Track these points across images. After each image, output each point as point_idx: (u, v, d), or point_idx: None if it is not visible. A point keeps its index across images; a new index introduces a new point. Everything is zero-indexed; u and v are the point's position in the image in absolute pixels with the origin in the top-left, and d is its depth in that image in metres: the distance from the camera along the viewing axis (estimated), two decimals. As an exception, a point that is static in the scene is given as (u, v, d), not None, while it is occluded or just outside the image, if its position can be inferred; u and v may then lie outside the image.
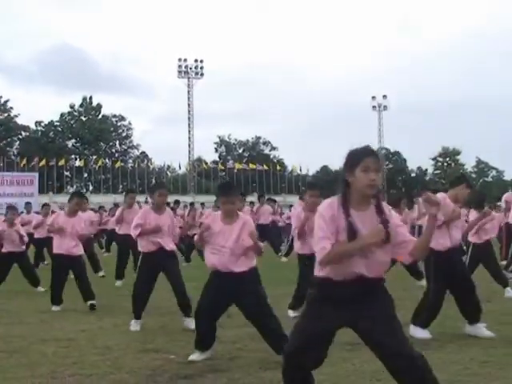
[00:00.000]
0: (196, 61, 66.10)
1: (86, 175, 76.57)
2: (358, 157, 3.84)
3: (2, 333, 7.60)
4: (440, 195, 6.94)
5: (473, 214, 10.33)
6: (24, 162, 60.42)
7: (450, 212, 7.04)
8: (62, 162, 63.50)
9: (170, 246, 7.97)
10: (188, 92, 66.90)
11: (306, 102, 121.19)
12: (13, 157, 71.48)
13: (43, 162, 60.51)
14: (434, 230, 3.93)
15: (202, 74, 66.54)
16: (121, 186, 71.21)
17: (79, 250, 9.51)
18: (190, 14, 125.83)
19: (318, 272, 3.89)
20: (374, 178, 3.77)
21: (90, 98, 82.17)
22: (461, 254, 8.23)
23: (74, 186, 74.95)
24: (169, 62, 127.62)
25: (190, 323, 7.18)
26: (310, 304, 4.04)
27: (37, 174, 53.82)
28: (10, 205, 14.48)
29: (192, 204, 19.90)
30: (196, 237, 6.20)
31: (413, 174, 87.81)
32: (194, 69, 66.13)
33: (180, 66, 65.97)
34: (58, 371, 5.68)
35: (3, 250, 11.39)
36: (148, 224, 7.86)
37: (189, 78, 66.48)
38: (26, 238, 11.49)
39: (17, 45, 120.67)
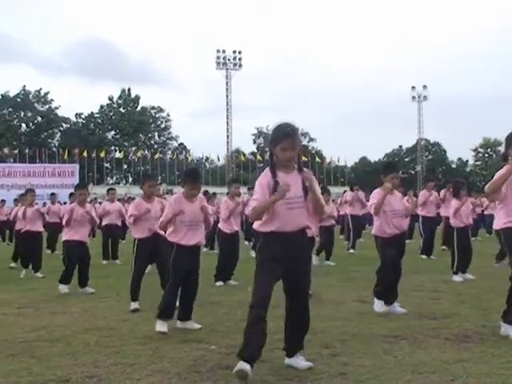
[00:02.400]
0: (234, 52, 66.18)
1: (125, 167, 77.35)
2: (278, 138, 5.08)
3: (45, 322, 7.71)
4: None
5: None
6: (65, 153, 61.15)
7: None
8: (102, 154, 64.11)
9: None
10: (226, 83, 67.04)
11: (345, 92, 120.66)
12: (54, 148, 72.50)
13: (84, 154, 61.17)
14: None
15: (240, 66, 66.62)
16: (160, 178, 71.75)
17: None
18: (228, 5, 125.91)
19: (259, 228, 5.22)
20: (289, 155, 5.07)
21: (129, 89, 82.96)
22: None
23: (114, 178, 75.79)
24: (207, 53, 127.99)
25: None
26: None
27: (77, 166, 54.58)
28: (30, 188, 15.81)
29: (214, 194, 20.07)
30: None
31: (453, 165, 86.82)
32: (232, 60, 66.22)
33: (218, 58, 66.10)
34: (100, 360, 5.74)
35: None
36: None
37: (227, 69, 66.59)
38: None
39: (47, 38, 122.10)
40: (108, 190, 17.35)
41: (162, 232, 8.06)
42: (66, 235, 10.74)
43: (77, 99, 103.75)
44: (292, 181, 5.00)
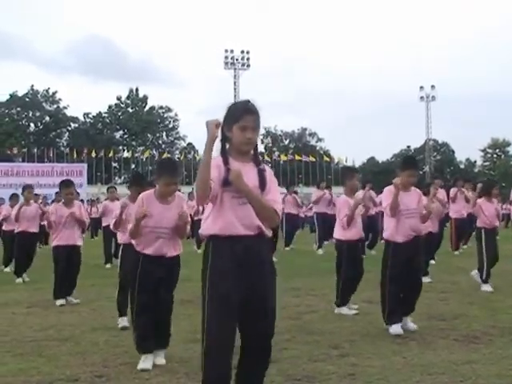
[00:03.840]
0: (242, 52, 66.28)
1: (133, 166, 77.45)
2: (237, 115, 3.86)
3: (55, 321, 7.73)
4: None
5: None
6: (74, 153, 61.29)
7: None
8: (110, 154, 64.23)
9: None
10: (234, 83, 67.10)
11: (353, 92, 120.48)
12: (62, 148, 72.68)
13: (92, 154, 61.30)
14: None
15: (248, 65, 66.69)
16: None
17: None
18: (237, 5, 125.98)
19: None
20: (249, 137, 3.81)
21: (137, 89, 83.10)
22: None
23: (122, 177, 75.94)
24: (215, 53, 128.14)
25: None
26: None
27: (85, 165, 54.59)
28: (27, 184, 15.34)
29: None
30: None
31: (461, 166, 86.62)
32: (240, 60, 66.32)
33: (226, 57, 66.20)
34: (109, 360, 5.75)
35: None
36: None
37: (235, 69, 66.68)
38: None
39: (49, 36, 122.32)
40: (108, 189, 16.26)
41: None
42: (53, 240, 9.95)
43: (80, 98, 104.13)
44: (247, 172, 3.77)
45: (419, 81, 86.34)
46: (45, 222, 10.95)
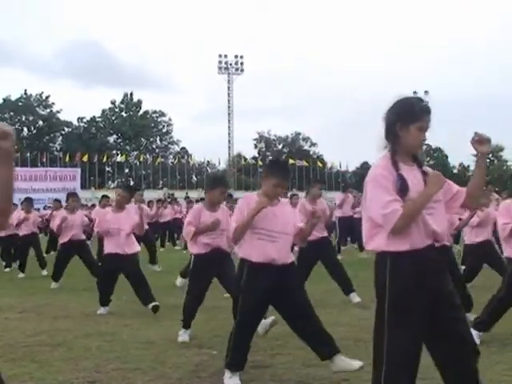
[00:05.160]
0: (236, 57, 66.34)
1: (127, 171, 77.40)
2: (418, 113, 3.57)
3: (47, 327, 7.71)
4: None
5: None
6: (67, 157, 61.18)
7: None
8: (103, 158, 64.13)
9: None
10: (228, 88, 67.12)
11: (346, 97, 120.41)
12: (56, 152, 72.52)
13: (85, 158, 61.21)
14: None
15: (242, 70, 66.75)
16: (161, 182, 71.74)
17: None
18: (230, 10, 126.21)
19: (387, 246, 3.44)
20: (425, 138, 3.63)
21: (131, 94, 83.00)
22: None
23: (116, 182, 75.79)
24: (209, 58, 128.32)
25: None
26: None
27: (79, 170, 54.50)
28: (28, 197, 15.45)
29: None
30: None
31: (454, 171, 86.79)
32: (234, 65, 66.38)
33: (220, 62, 66.23)
34: (101, 365, 5.74)
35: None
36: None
37: (229, 73, 66.69)
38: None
39: (39, 40, 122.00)
40: (102, 197, 15.67)
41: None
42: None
43: (72, 102, 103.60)
44: (415, 176, 3.54)
45: (412, 86, 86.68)
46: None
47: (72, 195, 13.08)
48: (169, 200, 28.19)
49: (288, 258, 5.26)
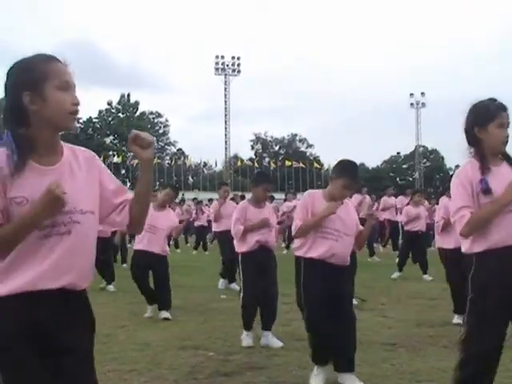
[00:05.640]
0: (233, 58, 66.21)
1: (123, 172, 77.30)
2: (493, 111, 3.60)
3: (43, 327, 7.69)
4: None
5: None
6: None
7: None
8: (100, 159, 64.06)
9: None
10: (225, 89, 67.04)
11: (343, 99, 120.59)
12: (52, 153, 72.42)
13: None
14: None
15: (238, 71, 66.65)
16: (157, 183, 71.66)
17: None
18: (227, 11, 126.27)
19: (471, 248, 3.55)
20: (508, 134, 3.60)
21: (128, 95, 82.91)
22: None
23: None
24: (205, 59, 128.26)
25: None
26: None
27: (76, 171, 54.44)
28: None
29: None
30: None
31: (451, 173, 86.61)
32: (230, 66, 66.25)
33: (217, 63, 66.15)
34: (97, 367, 5.70)
35: None
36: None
37: (226, 75, 66.60)
38: None
39: (35, 40, 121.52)
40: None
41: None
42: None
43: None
44: (505, 173, 3.55)
45: (409, 87, 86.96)
46: None
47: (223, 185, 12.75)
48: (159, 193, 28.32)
49: (346, 260, 5.22)
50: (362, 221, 5.51)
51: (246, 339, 6.64)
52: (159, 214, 8.50)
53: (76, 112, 2.47)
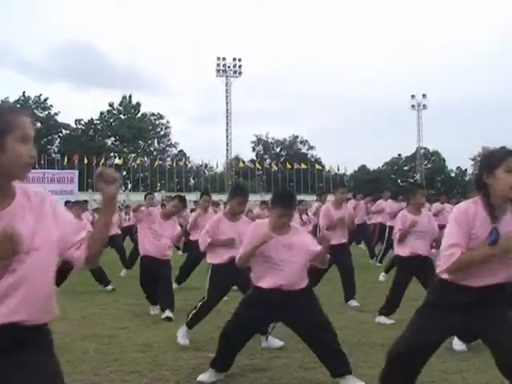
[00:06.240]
0: (234, 59, 66.32)
1: (124, 173, 77.29)
2: (500, 157, 3.55)
3: (45, 329, 7.70)
4: None
5: None
6: (65, 159, 61.15)
7: None
8: (101, 160, 64.10)
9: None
10: (226, 91, 67.14)
11: (344, 101, 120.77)
12: (53, 154, 72.50)
13: (83, 160, 61.17)
14: None
15: (240, 73, 66.74)
16: (159, 184, 71.72)
17: None
18: (229, 13, 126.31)
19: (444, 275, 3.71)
20: None
21: (130, 96, 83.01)
22: None
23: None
24: (207, 60, 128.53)
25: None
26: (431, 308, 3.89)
27: (77, 172, 54.47)
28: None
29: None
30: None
31: (452, 174, 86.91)
32: (232, 67, 66.36)
33: (218, 65, 66.23)
34: (99, 368, 5.74)
35: None
36: None
37: (227, 76, 66.71)
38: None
39: (31, 41, 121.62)
40: (145, 195, 15.36)
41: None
42: None
43: (68, 105, 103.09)
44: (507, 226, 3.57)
45: (410, 89, 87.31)
46: None
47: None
48: (166, 203, 28.13)
49: (297, 285, 5.23)
50: (360, 226, 5.64)
51: (183, 339, 6.81)
52: (164, 222, 8.78)
53: (31, 164, 2.56)
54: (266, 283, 5.17)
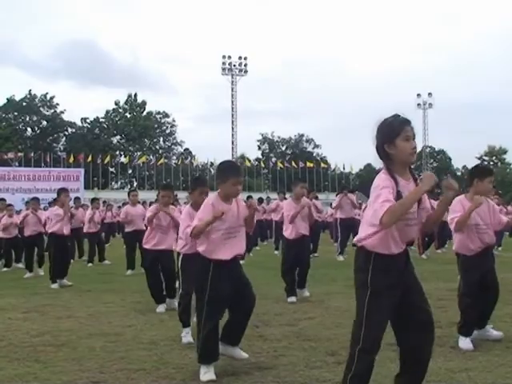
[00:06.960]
0: (240, 58, 66.34)
1: (130, 171, 77.41)
2: (397, 128, 3.88)
3: (51, 327, 7.72)
4: None
5: None
6: (70, 158, 61.22)
7: None
8: (107, 159, 64.15)
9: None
10: (232, 89, 67.14)
11: (350, 99, 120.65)
12: (59, 153, 72.57)
13: (89, 158, 61.24)
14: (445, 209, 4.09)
15: (245, 71, 66.77)
16: (164, 183, 71.70)
17: None
18: (234, 11, 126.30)
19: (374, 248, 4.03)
20: (415, 145, 3.93)
21: (135, 95, 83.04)
22: None
23: (119, 182, 75.87)
24: (212, 59, 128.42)
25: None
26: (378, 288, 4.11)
27: (82, 170, 54.53)
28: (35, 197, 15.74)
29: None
30: None
31: (458, 173, 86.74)
32: (237, 66, 66.37)
33: (224, 63, 66.25)
34: (105, 366, 5.74)
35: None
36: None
37: (232, 75, 66.72)
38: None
39: (38, 41, 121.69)
40: (129, 192, 15.55)
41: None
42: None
43: (73, 103, 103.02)
44: (411, 189, 3.91)
45: (416, 88, 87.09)
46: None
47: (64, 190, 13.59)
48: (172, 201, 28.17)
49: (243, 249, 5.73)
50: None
51: (187, 337, 6.78)
52: (166, 215, 8.90)
53: None
54: (224, 256, 5.44)
